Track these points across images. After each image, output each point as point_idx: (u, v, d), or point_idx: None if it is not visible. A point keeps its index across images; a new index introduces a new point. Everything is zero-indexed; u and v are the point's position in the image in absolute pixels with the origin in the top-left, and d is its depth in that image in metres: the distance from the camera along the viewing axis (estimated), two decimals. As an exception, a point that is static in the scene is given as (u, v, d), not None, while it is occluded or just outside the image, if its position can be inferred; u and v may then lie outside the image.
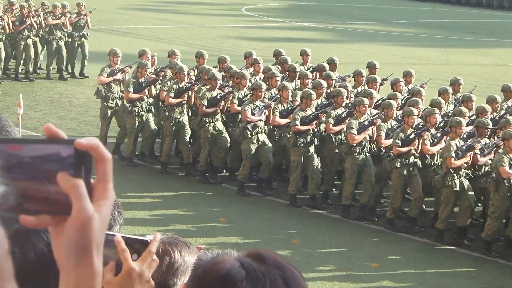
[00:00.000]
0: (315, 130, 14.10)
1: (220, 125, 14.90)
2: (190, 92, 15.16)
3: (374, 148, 13.68)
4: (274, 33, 35.81)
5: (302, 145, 13.82)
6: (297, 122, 13.86)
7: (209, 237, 12.16)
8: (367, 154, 13.61)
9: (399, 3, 51.61)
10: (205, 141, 14.86)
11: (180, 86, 15.16)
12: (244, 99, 14.78)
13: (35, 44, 22.31)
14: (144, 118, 15.62)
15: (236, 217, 13.37)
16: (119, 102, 16.02)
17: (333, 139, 13.96)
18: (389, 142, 13.41)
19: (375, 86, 15.49)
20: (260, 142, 14.30)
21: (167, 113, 15.15)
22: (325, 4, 48.73)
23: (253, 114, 14.23)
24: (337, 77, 16.22)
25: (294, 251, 11.92)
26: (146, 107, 15.57)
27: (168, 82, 15.35)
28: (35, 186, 1.36)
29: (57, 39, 22.47)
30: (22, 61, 22.26)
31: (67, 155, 1.37)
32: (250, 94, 14.50)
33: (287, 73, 16.28)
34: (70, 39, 22.81)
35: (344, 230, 13.17)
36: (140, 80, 15.50)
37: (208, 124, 14.73)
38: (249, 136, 14.19)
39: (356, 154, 13.45)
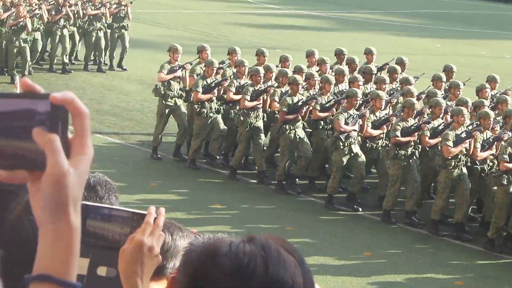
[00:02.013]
0: (416, 141, 13.24)
1: (301, 133, 14.12)
2: (265, 96, 14.52)
3: (469, 162, 12.77)
4: (272, 20, 35.74)
5: (402, 158, 12.99)
6: (398, 133, 13.00)
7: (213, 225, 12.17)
8: (462, 168, 12.73)
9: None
10: (284, 149, 14.12)
11: (256, 88, 14.40)
12: (326, 105, 14.17)
13: (72, 34, 21.58)
14: (213, 119, 14.91)
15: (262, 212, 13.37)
16: (178, 101, 15.41)
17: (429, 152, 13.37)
18: (485, 154, 12.74)
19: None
20: (352, 154, 13.47)
21: (242, 118, 14.41)
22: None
23: (346, 123, 13.43)
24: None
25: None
26: (215, 108, 14.88)
27: (234, 81, 14.84)
28: (10, 142, 1.35)
29: (96, 30, 21.79)
30: (57, 52, 21.51)
31: (43, 110, 1.35)
32: (345, 102, 13.68)
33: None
34: (109, 30, 22.13)
35: (338, 220, 13.18)
36: (208, 80, 14.82)
37: (288, 131, 13.98)
38: (342, 147, 13.37)
39: (451, 167, 12.59)
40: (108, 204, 2.73)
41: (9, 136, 1.35)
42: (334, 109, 14.15)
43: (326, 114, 14.18)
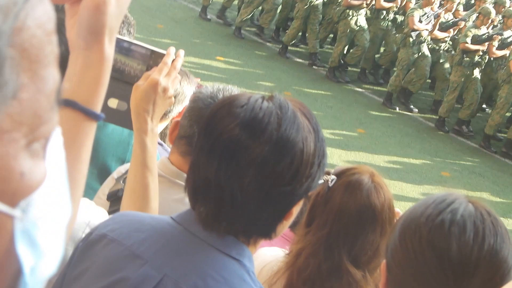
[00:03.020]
0: (484, 51, 12.69)
1: (362, 21, 13.38)
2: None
3: None
4: None
5: (466, 65, 12.54)
6: (468, 40, 12.46)
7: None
8: None
9: None
10: (342, 35, 13.40)
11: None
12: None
13: None
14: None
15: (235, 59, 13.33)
16: None
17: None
18: None
19: None
20: (420, 54, 12.94)
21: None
22: None
23: (420, 21, 12.78)
24: None
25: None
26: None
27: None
28: None
29: None
30: None
31: None
32: None
33: None
34: None
35: (337, 91, 13.19)
36: None
37: (350, 17, 13.32)
38: (411, 45, 12.85)
39: None
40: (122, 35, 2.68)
41: None
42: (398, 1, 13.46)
43: (390, 4, 13.46)
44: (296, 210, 1.78)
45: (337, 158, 10.63)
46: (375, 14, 13.62)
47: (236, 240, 1.75)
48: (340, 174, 2.53)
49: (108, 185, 2.90)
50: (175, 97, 3.34)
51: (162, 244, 1.75)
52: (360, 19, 13.33)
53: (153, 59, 2.32)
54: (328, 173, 2.52)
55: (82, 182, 1.33)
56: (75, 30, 1.32)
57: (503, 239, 1.65)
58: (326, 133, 11.12)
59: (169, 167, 2.72)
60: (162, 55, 2.31)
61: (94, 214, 2.15)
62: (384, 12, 13.59)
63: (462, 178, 11.03)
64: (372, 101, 13.19)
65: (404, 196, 9.95)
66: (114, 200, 2.78)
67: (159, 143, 3.38)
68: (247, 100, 1.73)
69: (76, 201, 1.32)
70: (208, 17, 14.82)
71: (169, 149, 3.15)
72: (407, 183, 10.34)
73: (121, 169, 2.93)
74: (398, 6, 13.58)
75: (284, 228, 1.80)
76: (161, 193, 2.44)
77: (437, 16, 12.81)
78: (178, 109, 3.44)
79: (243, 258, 1.74)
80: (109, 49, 1.33)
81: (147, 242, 1.76)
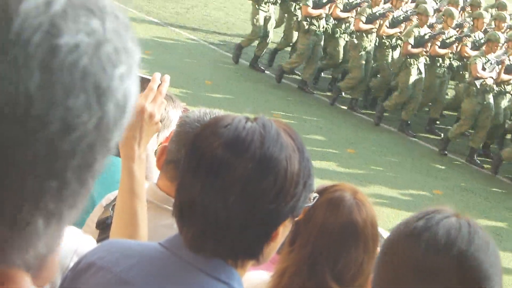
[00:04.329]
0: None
1: (422, 68, 12.94)
2: (381, 21, 13.21)
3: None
4: None
5: (476, 95, 12.23)
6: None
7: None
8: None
9: None
10: (404, 86, 12.85)
11: (374, 11, 13.18)
12: (447, 41, 12.97)
13: None
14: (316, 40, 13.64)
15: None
16: (272, 8, 14.06)
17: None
18: None
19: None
20: (485, 103, 12.33)
21: (355, 41, 13.21)
22: None
23: (483, 69, 12.20)
24: None
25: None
26: (323, 27, 13.51)
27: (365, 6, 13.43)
28: None
29: None
30: None
31: None
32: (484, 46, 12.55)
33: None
34: None
35: (326, 112, 13.20)
36: None
37: (411, 66, 12.87)
38: (475, 94, 12.28)
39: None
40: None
41: None
42: (455, 46, 13.20)
43: (445, 51, 13.04)
44: (283, 231, 1.77)
45: (328, 179, 10.62)
46: (430, 61, 13.12)
47: (224, 263, 1.74)
48: (322, 192, 2.52)
49: (96, 213, 2.89)
50: (160, 121, 3.33)
51: (150, 270, 1.74)
52: (420, 67, 12.94)
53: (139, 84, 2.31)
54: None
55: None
56: None
57: (479, 249, 1.65)
58: (316, 154, 11.14)
59: (157, 193, 2.70)
60: (148, 81, 2.30)
61: (81, 241, 2.13)
62: (440, 59, 13.13)
63: (454, 196, 11.02)
64: (361, 121, 13.19)
65: (396, 216, 9.94)
66: (103, 228, 2.77)
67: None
68: (231, 121, 1.75)
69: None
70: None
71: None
72: (399, 202, 10.33)
73: (110, 196, 2.91)
74: (454, 51, 13.31)
75: (272, 250, 1.79)
76: (150, 219, 2.43)
77: (501, 62, 12.32)
78: (165, 134, 3.43)
79: (232, 282, 1.73)
80: None
81: (136, 268, 1.76)
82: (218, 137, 1.71)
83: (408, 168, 11.75)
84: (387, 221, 9.49)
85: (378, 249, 2.31)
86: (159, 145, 3.22)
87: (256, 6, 13.88)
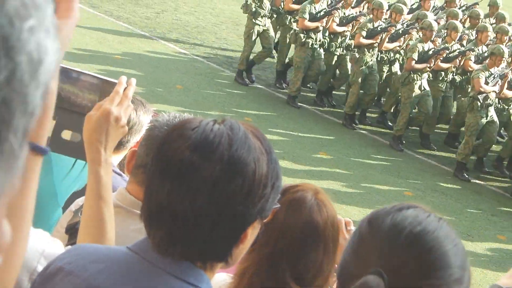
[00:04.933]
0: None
1: (426, 85, 12.73)
2: (383, 34, 13.05)
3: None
4: None
5: (479, 109, 12.07)
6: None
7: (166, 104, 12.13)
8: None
9: None
10: (407, 102, 12.67)
11: (375, 26, 13.04)
12: (450, 55, 12.85)
13: None
14: (316, 53, 13.41)
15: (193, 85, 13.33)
16: (268, 22, 13.90)
17: None
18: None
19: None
20: (488, 118, 12.18)
21: (357, 55, 13.05)
22: None
23: (486, 83, 12.04)
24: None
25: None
26: (320, 41, 13.32)
27: (364, 20, 13.25)
28: None
29: None
30: None
31: None
32: (487, 59, 12.40)
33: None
34: None
35: (297, 115, 13.22)
36: (316, 6, 13.17)
37: (415, 81, 12.66)
38: (479, 108, 12.06)
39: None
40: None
41: None
42: (458, 61, 13.08)
43: (449, 65, 12.92)
44: (252, 233, 1.78)
45: (300, 182, 10.64)
46: (433, 76, 13.01)
47: (192, 266, 1.74)
48: (283, 192, 2.51)
49: (66, 218, 2.87)
50: (132, 127, 3.33)
51: (119, 275, 1.74)
52: (424, 83, 12.75)
53: (105, 88, 2.30)
54: None
55: (29, 219, 1.31)
56: None
57: (446, 237, 1.64)
58: (288, 157, 11.15)
59: (127, 197, 2.70)
60: (114, 84, 2.29)
61: (48, 244, 2.12)
62: (443, 73, 13.03)
63: (425, 197, 11.08)
64: (332, 124, 13.22)
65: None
66: (73, 233, 2.75)
67: (118, 173, 3.36)
68: (199, 123, 1.75)
69: (24, 238, 1.31)
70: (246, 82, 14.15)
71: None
72: (370, 203, 10.36)
73: (79, 201, 2.90)
74: (457, 66, 13.18)
75: (241, 252, 1.79)
76: (119, 223, 2.42)
77: (504, 76, 12.19)
78: (136, 138, 3.42)
79: (201, 284, 1.73)
80: (53, 83, 1.31)
81: (104, 273, 1.75)
82: (185, 140, 1.71)
83: (379, 169, 11.80)
84: (356, 223, 9.49)
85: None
86: (129, 149, 3.22)
87: (253, 19, 13.74)
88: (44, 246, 2.10)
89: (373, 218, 1.69)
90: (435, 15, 14.55)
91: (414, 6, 15.21)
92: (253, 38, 13.83)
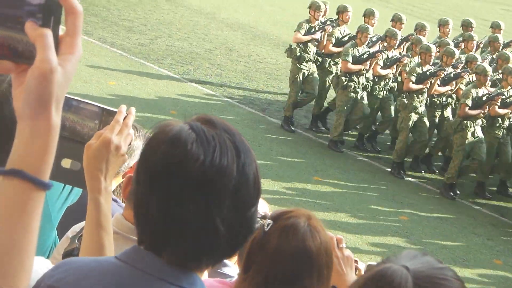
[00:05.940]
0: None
1: (480, 132, 12.30)
2: (432, 80, 12.63)
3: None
4: None
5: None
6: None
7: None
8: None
9: None
10: (459, 149, 12.21)
11: (424, 70, 12.61)
12: (506, 100, 12.32)
13: None
14: (359, 96, 13.06)
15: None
16: (313, 67, 13.72)
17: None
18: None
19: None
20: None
21: (406, 101, 12.63)
22: None
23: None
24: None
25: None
26: (363, 84, 13.05)
27: (407, 62, 13.06)
28: (0, 32, 1.30)
29: None
30: None
31: (36, 2, 1.31)
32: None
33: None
34: None
35: (291, 140, 13.22)
36: (359, 48, 12.98)
37: (468, 128, 12.21)
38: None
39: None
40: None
41: (1, 27, 1.30)
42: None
43: (506, 111, 12.36)
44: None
45: (294, 207, 10.63)
46: (489, 121, 12.49)
47: (185, 270, 1.75)
48: (276, 218, 2.50)
49: (63, 245, 2.87)
50: (125, 152, 3.33)
51: (114, 286, 1.75)
52: (477, 130, 12.29)
53: (104, 117, 2.32)
54: (265, 217, 2.50)
55: (33, 252, 1.33)
56: (22, 100, 1.32)
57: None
58: (282, 182, 11.15)
59: (123, 223, 2.70)
60: (114, 113, 2.31)
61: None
62: (500, 119, 12.51)
63: (420, 222, 11.08)
64: (326, 148, 13.23)
65: (363, 243, 9.98)
66: (70, 259, 2.75)
67: (114, 200, 3.36)
68: (176, 126, 1.82)
69: (27, 270, 1.32)
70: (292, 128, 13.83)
71: (123, 205, 3.13)
72: (365, 229, 10.35)
73: (76, 228, 2.90)
74: None
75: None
76: (117, 250, 2.41)
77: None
78: (128, 163, 3.43)
79: (195, 287, 1.75)
80: (56, 118, 1.34)
81: (99, 286, 1.76)
82: (163, 144, 1.75)
83: (374, 194, 11.79)
84: (354, 251, 9.52)
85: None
86: (125, 175, 3.22)
87: (298, 64, 13.54)
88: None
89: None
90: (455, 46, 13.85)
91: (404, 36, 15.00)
92: (299, 83, 13.58)
